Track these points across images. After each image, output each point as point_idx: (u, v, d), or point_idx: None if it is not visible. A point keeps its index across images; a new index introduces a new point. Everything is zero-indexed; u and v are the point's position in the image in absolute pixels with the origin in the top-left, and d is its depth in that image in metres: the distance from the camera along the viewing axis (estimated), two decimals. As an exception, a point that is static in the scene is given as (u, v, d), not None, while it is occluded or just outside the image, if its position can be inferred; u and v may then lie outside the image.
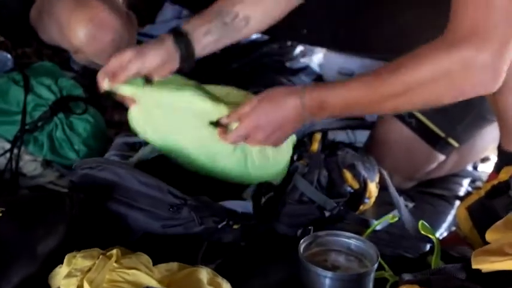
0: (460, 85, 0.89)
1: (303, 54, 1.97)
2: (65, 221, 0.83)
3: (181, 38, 1.10)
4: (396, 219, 1.03)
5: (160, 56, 1.09)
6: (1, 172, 1.17)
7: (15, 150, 1.18)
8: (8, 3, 1.49)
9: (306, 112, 0.99)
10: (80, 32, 1.22)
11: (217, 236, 0.97)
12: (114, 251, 0.82)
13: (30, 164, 1.22)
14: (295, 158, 1.18)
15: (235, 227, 0.98)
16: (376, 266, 0.89)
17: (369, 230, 1.04)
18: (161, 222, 0.95)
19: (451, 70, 0.88)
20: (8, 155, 1.18)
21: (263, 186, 1.08)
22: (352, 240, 0.94)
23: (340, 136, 1.37)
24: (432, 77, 0.89)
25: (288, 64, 1.97)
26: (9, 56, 1.62)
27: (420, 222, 0.95)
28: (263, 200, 1.05)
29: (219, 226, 0.96)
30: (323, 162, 1.11)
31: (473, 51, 0.86)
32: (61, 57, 1.68)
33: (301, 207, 1.06)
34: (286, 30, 1.44)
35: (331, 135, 1.34)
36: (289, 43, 2.00)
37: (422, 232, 0.94)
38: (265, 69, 1.83)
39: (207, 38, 1.13)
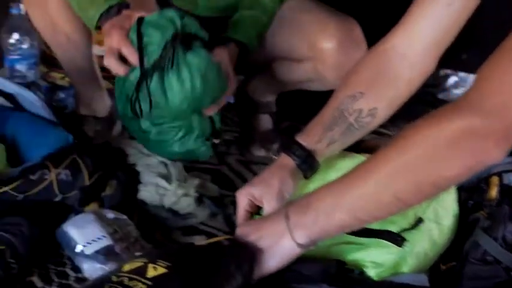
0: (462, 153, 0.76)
1: (456, 84, 1.85)
2: (230, 281, 0.78)
3: (305, 164, 0.97)
4: None
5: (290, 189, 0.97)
6: (158, 208, 1.17)
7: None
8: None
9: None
10: (334, 37, 1.23)
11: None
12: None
13: (183, 200, 1.20)
14: (469, 205, 1.06)
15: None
16: None
17: None
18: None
19: (451, 137, 0.76)
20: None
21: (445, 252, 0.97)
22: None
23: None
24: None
25: (440, 96, 1.86)
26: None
27: None
28: (443, 268, 0.94)
29: None
30: (508, 214, 0.97)
31: (480, 118, 0.75)
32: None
33: (486, 268, 0.93)
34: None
35: (505, 179, 1.20)
36: (443, 72, 1.87)
37: None
38: (415, 100, 1.73)
39: (331, 147, 0.99)
